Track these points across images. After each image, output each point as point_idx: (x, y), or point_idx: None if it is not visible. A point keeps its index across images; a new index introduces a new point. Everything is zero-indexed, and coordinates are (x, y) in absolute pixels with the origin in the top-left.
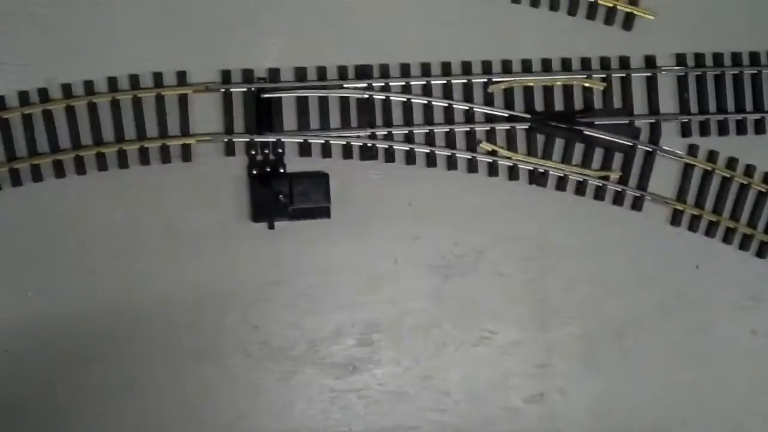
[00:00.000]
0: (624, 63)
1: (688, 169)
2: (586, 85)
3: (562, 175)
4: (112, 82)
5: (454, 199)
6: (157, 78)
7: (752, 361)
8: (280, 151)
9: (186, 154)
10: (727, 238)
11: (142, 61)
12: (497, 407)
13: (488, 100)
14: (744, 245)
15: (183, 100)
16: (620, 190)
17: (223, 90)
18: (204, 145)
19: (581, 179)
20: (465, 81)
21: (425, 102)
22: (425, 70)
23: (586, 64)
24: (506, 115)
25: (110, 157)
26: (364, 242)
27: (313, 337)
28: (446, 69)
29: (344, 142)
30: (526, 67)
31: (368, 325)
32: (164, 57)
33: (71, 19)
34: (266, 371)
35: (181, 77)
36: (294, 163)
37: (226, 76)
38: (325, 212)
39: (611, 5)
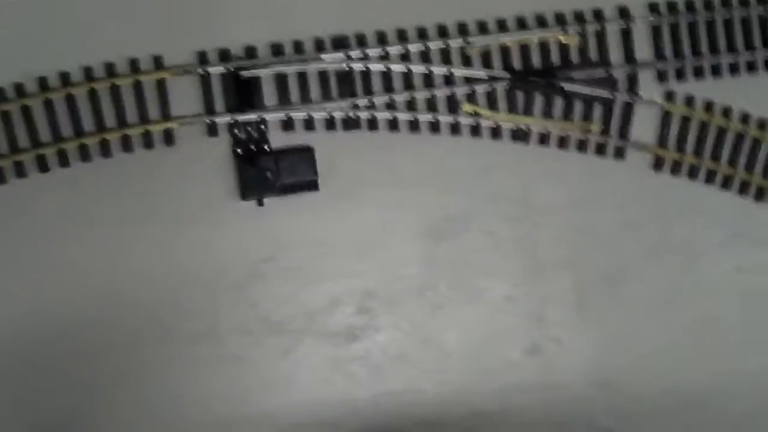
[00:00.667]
0: (598, 15)
1: (666, 115)
2: (562, 40)
3: (544, 131)
4: (88, 72)
5: (439, 162)
6: (134, 64)
7: (740, 297)
8: (263, 128)
9: (169, 138)
10: (709, 180)
11: (117, 48)
12: (497, 362)
13: (466, 62)
14: (726, 185)
15: (161, 85)
16: (602, 141)
17: (200, 71)
18: (186, 128)
19: (563, 134)
20: (443, 45)
21: (404, 69)
22: (402, 36)
23: (560, 19)
24: (485, 76)
25: (93, 147)
26: (354, 212)
27: (310, 310)
28: (423, 33)
29: (326, 115)
30: (502, 26)
31: (364, 293)
32: (139, 42)
33: (41, 10)
34: (268, 347)
35: (158, 62)
36: (278, 139)
37: (202, 58)
38: (312, 185)
39: None
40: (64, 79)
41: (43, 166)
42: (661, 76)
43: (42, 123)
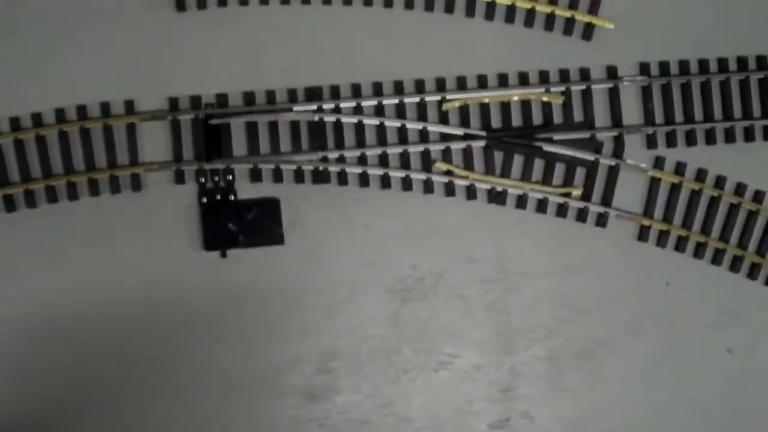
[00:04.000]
0: (584, 74)
1: (654, 182)
2: (545, 99)
3: (521, 193)
4: (60, 114)
5: (410, 220)
6: (105, 108)
7: (728, 381)
8: (230, 177)
9: (136, 183)
10: (698, 253)
11: (89, 92)
12: None
13: (443, 119)
14: (716, 260)
15: (131, 129)
16: (583, 206)
17: (170, 117)
18: (153, 174)
19: (542, 197)
20: (418, 100)
21: (378, 122)
22: (377, 89)
23: (544, 77)
24: (461, 133)
25: (60, 189)
26: (320, 268)
27: (270, 367)
28: (399, 88)
29: (295, 167)
30: (482, 82)
31: (327, 353)
32: (111, 86)
33: (16, 51)
34: (226, 402)
35: (129, 106)
36: (245, 189)
37: (173, 104)
38: (278, 239)
39: (569, 15)
40: (36, 120)
41: (9, 205)
42: (650, 141)
43: (11, 162)
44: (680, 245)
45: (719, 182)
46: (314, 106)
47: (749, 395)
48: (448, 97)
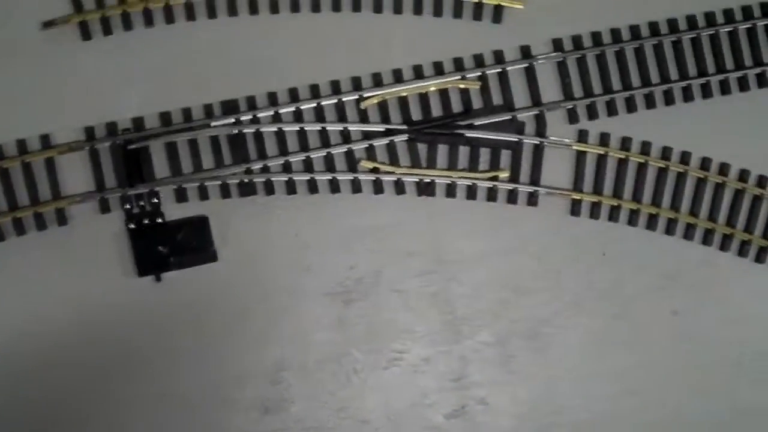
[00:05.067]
0: (498, 57)
1: (580, 156)
2: (462, 86)
3: (449, 182)
4: None
5: (342, 222)
6: (21, 145)
7: (677, 342)
8: (156, 200)
9: (61, 217)
10: (631, 221)
11: (4, 131)
12: (419, 427)
13: (363, 117)
14: (651, 225)
15: (50, 164)
16: (512, 188)
17: (88, 147)
18: (78, 206)
19: (470, 183)
20: (336, 101)
21: (297, 128)
22: (293, 95)
23: (459, 64)
24: (383, 129)
25: None
26: (257, 280)
27: (222, 383)
28: (315, 91)
29: (220, 182)
30: (398, 77)
31: (275, 363)
32: (25, 123)
33: None
34: (181, 424)
35: (45, 141)
36: (173, 210)
37: (89, 133)
38: (211, 256)
39: (477, 0)
40: None
41: None
42: (571, 116)
43: None
44: (613, 215)
45: (645, 148)
46: (232, 119)
47: (699, 354)
48: (366, 94)
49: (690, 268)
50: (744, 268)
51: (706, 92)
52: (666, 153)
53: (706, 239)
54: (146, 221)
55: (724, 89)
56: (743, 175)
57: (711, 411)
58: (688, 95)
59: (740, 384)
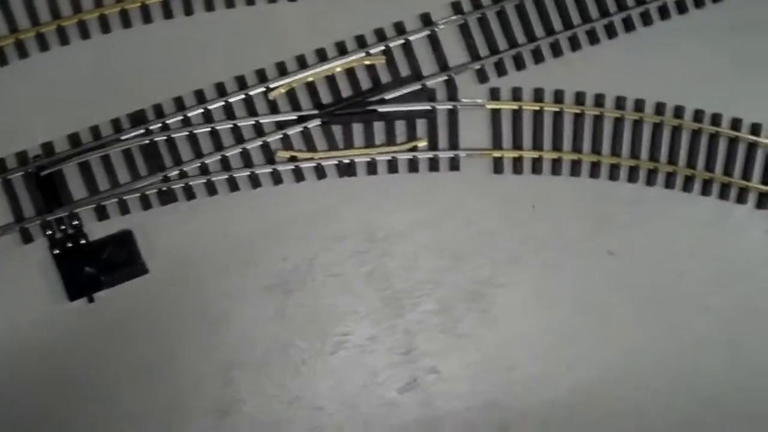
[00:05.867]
0: (400, 29)
1: (494, 114)
2: (368, 62)
3: (369, 159)
4: None
5: (268, 215)
6: None
7: (617, 282)
8: (77, 222)
9: None
10: (554, 170)
11: None
12: (373, 406)
13: (274, 108)
14: (574, 172)
15: None
16: (432, 156)
17: (0, 179)
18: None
19: (390, 158)
20: (244, 96)
21: (209, 129)
22: (200, 97)
23: (362, 41)
24: (295, 117)
25: None
26: (193, 285)
27: (174, 393)
28: (221, 89)
29: (139, 194)
30: (302, 62)
31: (223, 365)
32: None
33: None
34: None
35: None
36: (97, 229)
37: (1, 165)
38: (140, 269)
39: None
40: None
41: None
42: (480, 76)
43: None
44: (536, 167)
45: (558, 97)
46: (142, 130)
47: (640, 290)
48: (272, 85)
49: (619, 207)
50: (673, 200)
51: (611, 32)
52: (580, 98)
53: (631, 177)
54: (70, 244)
55: (628, 26)
56: (660, 109)
57: (661, 345)
58: (593, 38)
59: (686, 314)
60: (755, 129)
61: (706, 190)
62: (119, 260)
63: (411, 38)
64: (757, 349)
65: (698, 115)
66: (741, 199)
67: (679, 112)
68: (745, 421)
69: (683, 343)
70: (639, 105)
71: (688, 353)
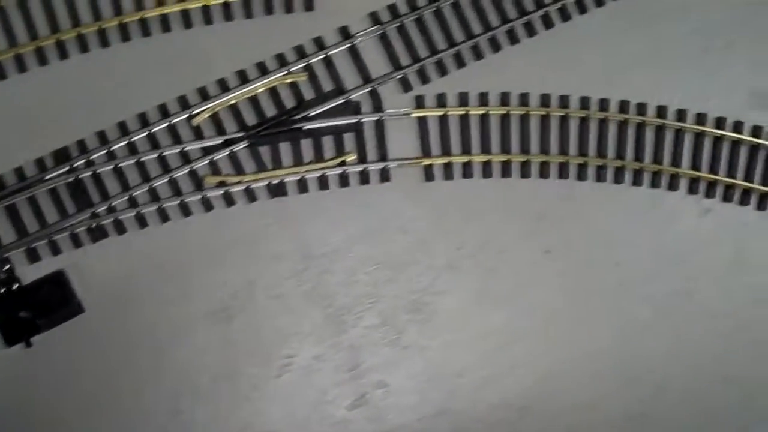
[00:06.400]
0: (320, 44)
1: (421, 121)
2: (289, 80)
3: (299, 177)
4: None
5: (202, 242)
6: None
7: (555, 280)
8: (8, 267)
9: None
10: (485, 173)
11: None
12: (326, 426)
13: (198, 134)
14: (505, 172)
15: None
16: (362, 169)
17: None
18: None
19: (320, 174)
20: (167, 124)
21: (134, 161)
22: (123, 129)
23: (282, 60)
24: (221, 141)
25: None
26: (132, 320)
27: (121, 429)
28: (144, 120)
29: (69, 233)
30: (224, 86)
31: (171, 396)
32: None
33: None
34: None
35: None
36: (29, 272)
37: None
38: (76, 309)
39: None
40: None
41: None
42: (404, 84)
43: None
44: (466, 172)
45: (483, 99)
46: (66, 168)
47: (579, 286)
48: (195, 111)
49: (552, 205)
50: (604, 192)
51: (530, 31)
52: (505, 99)
53: (562, 173)
54: (3, 290)
55: (547, 24)
56: (585, 103)
57: (605, 337)
58: (513, 38)
59: (628, 304)
60: (681, 115)
61: (637, 180)
62: (54, 302)
63: (331, 53)
64: (698, 331)
65: (623, 106)
66: (672, 186)
67: (604, 104)
68: (695, 403)
69: (627, 334)
70: (564, 101)
71: (632, 343)
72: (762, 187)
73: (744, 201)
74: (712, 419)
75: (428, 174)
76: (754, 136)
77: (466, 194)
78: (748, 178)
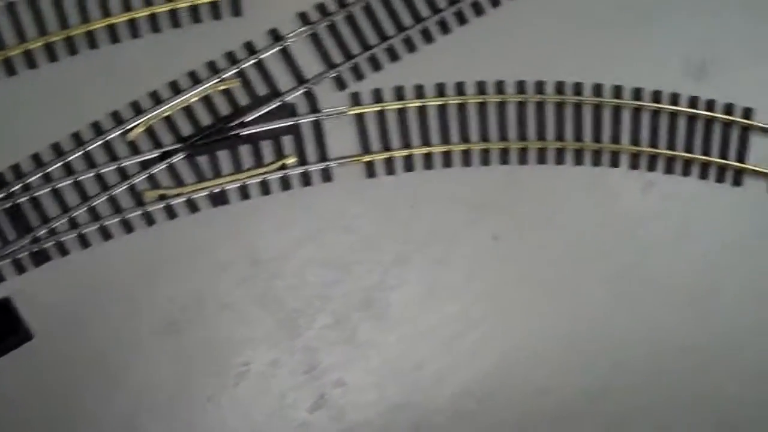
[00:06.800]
0: (251, 48)
1: (358, 119)
2: (222, 88)
3: (240, 184)
4: None
5: (147, 258)
6: None
7: (506, 266)
8: None
9: None
10: (426, 165)
11: None
12: (287, 430)
13: (135, 149)
14: (446, 163)
15: None
16: (303, 170)
17: None
18: None
19: (261, 179)
20: (102, 141)
21: (71, 181)
22: (58, 150)
23: (213, 67)
24: (158, 154)
25: None
26: (82, 342)
27: None
28: (78, 139)
29: (11, 259)
30: (156, 98)
31: (127, 414)
32: None
33: None
34: None
35: None
36: None
37: None
38: (25, 335)
39: (208, 0)
40: None
41: None
42: (339, 83)
43: None
44: (408, 165)
45: (419, 91)
46: (2, 194)
47: (529, 268)
48: (130, 126)
49: (496, 192)
50: (547, 174)
51: (462, 19)
52: (441, 90)
53: (503, 160)
54: None
55: (478, 11)
56: (522, 87)
57: (559, 318)
58: (444, 28)
59: (579, 283)
60: (618, 92)
61: (578, 160)
62: (1, 330)
63: (263, 56)
64: (651, 304)
65: (560, 88)
66: (614, 162)
67: (540, 87)
68: (653, 375)
69: (582, 312)
70: (500, 87)
71: (588, 321)
72: (703, 157)
73: (686, 172)
74: (670, 389)
75: (370, 171)
76: (691, 107)
77: (410, 188)
78: (688, 149)
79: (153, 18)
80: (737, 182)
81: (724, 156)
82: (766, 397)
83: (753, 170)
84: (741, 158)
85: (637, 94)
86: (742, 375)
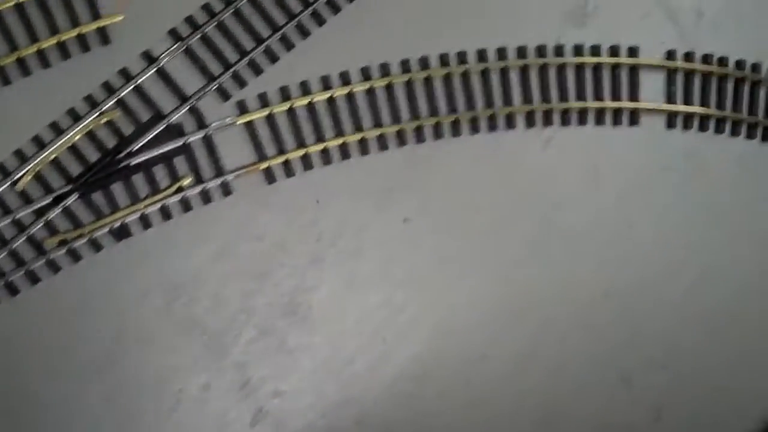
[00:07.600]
0: (126, 75)
1: (249, 126)
2: (104, 120)
3: (140, 215)
4: None
5: (57, 306)
6: None
7: (414, 249)
8: None
9: None
10: (324, 161)
11: None
12: None
13: (27, 198)
14: (344, 155)
15: None
16: (201, 189)
17: None
18: None
19: (160, 206)
20: None
21: None
22: None
23: (92, 101)
24: (51, 199)
25: None
26: (12, 401)
27: None
28: None
29: None
30: (40, 142)
31: None
32: None
33: None
34: None
35: None
36: None
37: None
38: None
39: (75, 34)
40: None
41: None
42: (222, 93)
43: None
44: (306, 164)
45: (305, 89)
46: None
47: (445, 246)
48: (17, 176)
49: (398, 174)
50: (445, 149)
51: (335, 8)
52: (327, 83)
53: (400, 141)
54: None
55: None
56: (406, 67)
57: (481, 291)
58: (319, 20)
59: (497, 249)
60: (502, 54)
61: (474, 129)
62: None
63: (140, 80)
64: (571, 254)
65: (444, 59)
66: (510, 125)
67: (425, 63)
68: (581, 325)
69: (504, 277)
70: (385, 69)
71: (511, 284)
72: (596, 103)
73: (582, 121)
74: (598, 335)
75: (269, 176)
76: (577, 55)
77: (312, 186)
78: (580, 98)
79: (21, 62)
80: (634, 122)
81: (617, 98)
82: (686, 331)
83: (647, 108)
84: (634, 97)
85: (522, 52)
86: (664, 314)
